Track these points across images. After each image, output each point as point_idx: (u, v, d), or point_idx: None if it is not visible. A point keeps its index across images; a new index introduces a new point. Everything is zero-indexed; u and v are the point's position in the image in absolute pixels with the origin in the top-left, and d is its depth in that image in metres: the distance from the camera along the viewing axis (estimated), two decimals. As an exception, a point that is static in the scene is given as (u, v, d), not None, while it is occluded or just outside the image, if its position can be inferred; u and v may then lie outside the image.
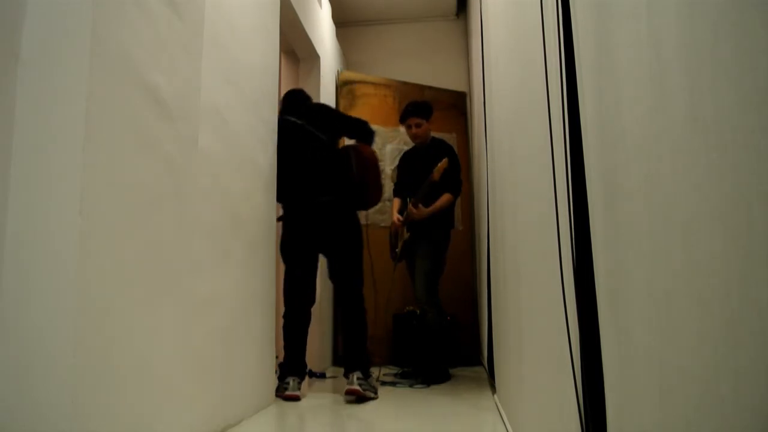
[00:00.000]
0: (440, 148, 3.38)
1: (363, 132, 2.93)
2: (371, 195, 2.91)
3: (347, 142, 3.49)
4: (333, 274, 2.80)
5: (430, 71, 4.94)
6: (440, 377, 3.17)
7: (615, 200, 0.82)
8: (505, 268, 2.06)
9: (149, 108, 1.50)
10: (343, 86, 4.37)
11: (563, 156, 1.01)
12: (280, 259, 2.76)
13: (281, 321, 2.72)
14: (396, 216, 3.46)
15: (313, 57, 3.84)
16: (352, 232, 2.77)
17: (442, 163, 3.05)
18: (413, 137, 3.45)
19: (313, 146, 2.74)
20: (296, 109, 2.81)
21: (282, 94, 3.11)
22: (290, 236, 2.68)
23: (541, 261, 1.30)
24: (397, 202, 3.56)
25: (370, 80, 4.51)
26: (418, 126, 3.39)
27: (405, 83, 4.59)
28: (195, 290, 1.74)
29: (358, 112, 4.30)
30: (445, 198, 3.23)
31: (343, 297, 2.77)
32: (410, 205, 3.22)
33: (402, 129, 4.42)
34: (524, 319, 1.58)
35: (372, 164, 2.93)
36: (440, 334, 3.22)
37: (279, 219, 2.75)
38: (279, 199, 2.74)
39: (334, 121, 2.87)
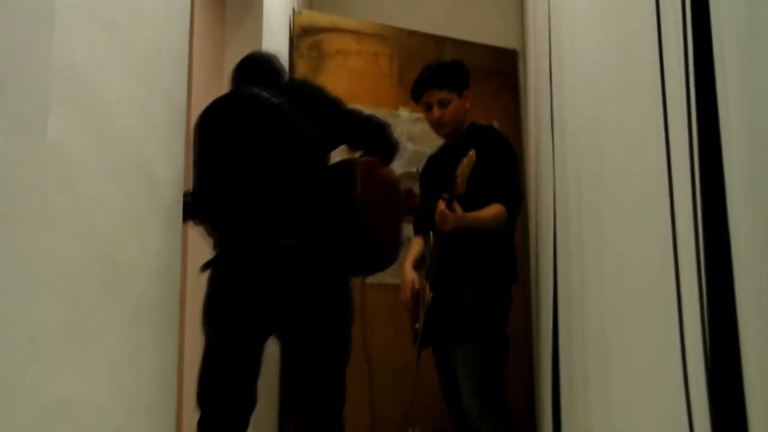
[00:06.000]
0: (484, 139, 3.38)
1: (379, 140, 2.92)
2: (381, 249, 2.89)
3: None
4: (292, 376, 2.80)
5: (455, 13, 5.02)
6: None
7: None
8: (586, 352, 2.06)
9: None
10: (302, 37, 4.43)
11: (687, 158, 1.02)
12: (198, 333, 2.74)
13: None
14: (409, 271, 3.43)
15: (251, -15, 3.89)
16: (334, 306, 2.75)
17: (467, 160, 2.99)
18: (436, 124, 3.45)
19: (291, 146, 2.73)
20: (268, 83, 2.82)
21: (192, 48, 3.13)
22: (224, 298, 2.66)
23: (650, 338, 1.31)
24: (416, 244, 3.56)
25: (350, 27, 4.57)
26: (443, 104, 3.40)
27: (411, 33, 4.66)
28: (36, 390, 1.73)
29: (328, 83, 4.33)
30: (496, 209, 3.17)
31: (306, 420, 2.76)
32: (441, 205, 3.09)
33: (405, 112, 4.47)
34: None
35: (389, 196, 2.91)
36: None
37: (205, 267, 2.73)
38: (211, 231, 2.72)
39: (331, 114, 2.87)
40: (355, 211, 2.74)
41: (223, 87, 3.79)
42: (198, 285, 3.40)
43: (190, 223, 2.89)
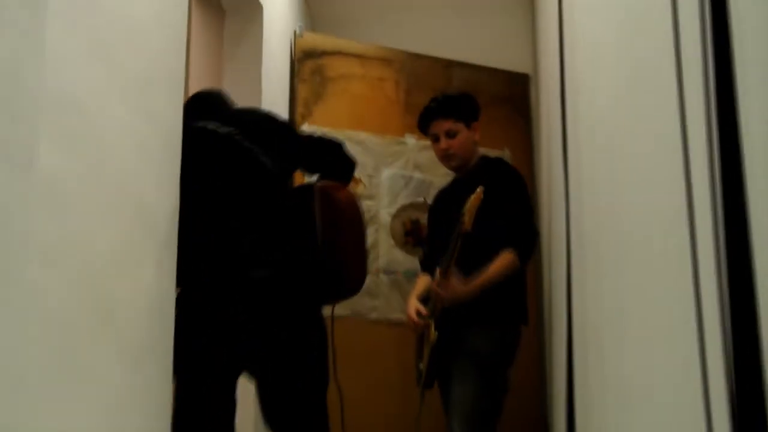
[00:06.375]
0: (494, 173, 3.43)
1: (335, 162, 2.96)
2: (346, 274, 2.91)
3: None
4: (269, 415, 2.79)
5: (464, 36, 5.04)
6: None
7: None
8: (604, 397, 2.05)
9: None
10: (303, 61, 4.45)
11: (707, 183, 1.03)
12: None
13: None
14: (414, 306, 3.46)
15: (251, 6, 3.91)
16: (307, 337, 2.77)
17: (475, 197, 3.04)
18: (443, 156, 3.52)
19: (247, 176, 2.76)
20: (214, 116, 2.85)
21: (189, 73, 3.14)
22: (190, 337, 2.65)
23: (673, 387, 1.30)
24: (422, 281, 3.58)
25: (354, 50, 4.59)
26: (450, 135, 3.46)
27: (418, 57, 4.67)
28: (22, 437, 1.72)
29: (331, 108, 4.36)
30: (504, 260, 3.21)
31: None
32: (437, 278, 3.21)
33: (411, 140, 4.48)
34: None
35: (350, 219, 2.93)
36: None
37: None
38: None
39: (284, 139, 2.90)
40: (313, 233, 2.77)
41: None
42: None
43: None
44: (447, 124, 3.44)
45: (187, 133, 2.79)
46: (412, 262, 4.27)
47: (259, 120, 2.92)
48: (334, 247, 2.81)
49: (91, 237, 2.07)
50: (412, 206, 4.47)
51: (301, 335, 2.74)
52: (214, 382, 2.72)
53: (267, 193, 2.77)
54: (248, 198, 2.74)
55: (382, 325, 4.10)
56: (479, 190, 3.03)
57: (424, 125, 3.53)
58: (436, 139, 3.48)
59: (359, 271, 2.95)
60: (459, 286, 3.14)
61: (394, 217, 4.40)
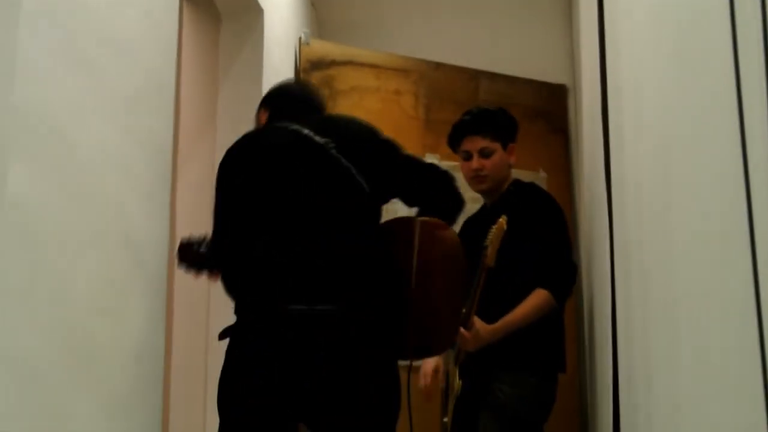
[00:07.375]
0: (526, 200, 3.42)
1: (443, 196, 2.88)
2: (433, 329, 2.84)
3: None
4: None
5: (491, 44, 5.05)
6: None
7: None
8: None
9: None
10: (310, 72, 4.45)
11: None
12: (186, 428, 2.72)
13: None
14: (431, 363, 3.46)
15: (250, 10, 3.93)
16: (375, 392, 2.70)
17: (497, 228, 3.01)
18: (474, 176, 3.47)
19: (335, 194, 2.68)
20: (304, 118, 2.81)
21: (180, 87, 3.14)
22: (242, 375, 2.62)
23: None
24: None
25: (367, 60, 4.59)
26: (485, 155, 3.44)
27: (439, 66, 4.67)
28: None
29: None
30: (537, 298, 3.19)
31: None
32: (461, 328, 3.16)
33: (432, 160, 4.47)
34: None
35: (452, 265, 2.85)
36: None
37: (224, 335, 2.67)
38: (235, 296, 2.66)
39: (385, 160, 2.83)
40: (407, 280, 2.73)
41: (217, 133, 3.80)
42: (187, 369, 3.38)
43: (205, 279, 2.86)
44: (483, 142, 3.40)
45: (277, 133, 2.75)
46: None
47: (358, 132, 2.84)
48: (426, 295, 2.75)
49: (69, 273, 2.07)
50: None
51: (366, 391, 2.68)
52: (262, 430, 2.69)
53: (356, 218, 2.71)
54: (333, 220, 2.68)
55: (400, 371, 4.07)
56: (502, 220, 3.02)
57: (455, 141, 3.49)
58: (467, 158, 3.44)
59: (449, 327, 2.89)
60: (483, 327, 3.11)
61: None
